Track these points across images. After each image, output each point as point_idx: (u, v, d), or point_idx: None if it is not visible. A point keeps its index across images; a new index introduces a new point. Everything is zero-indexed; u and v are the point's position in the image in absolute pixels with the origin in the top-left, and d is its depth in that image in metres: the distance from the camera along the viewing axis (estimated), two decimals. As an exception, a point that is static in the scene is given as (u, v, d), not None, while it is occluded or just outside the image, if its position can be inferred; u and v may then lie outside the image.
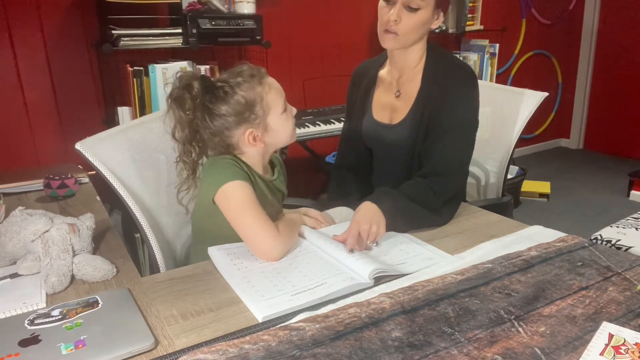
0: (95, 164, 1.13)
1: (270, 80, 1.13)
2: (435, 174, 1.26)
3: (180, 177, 1.13)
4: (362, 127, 1.44)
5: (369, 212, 1.13)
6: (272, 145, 1.17)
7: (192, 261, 1.14)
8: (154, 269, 1.18)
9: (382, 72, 1.43)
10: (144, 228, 1.15)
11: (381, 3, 1.27)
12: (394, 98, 1.39)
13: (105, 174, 1.13)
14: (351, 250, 1.04)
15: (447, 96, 1.28)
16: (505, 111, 1.46)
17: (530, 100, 1.66)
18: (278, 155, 1.30)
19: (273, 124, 1.12)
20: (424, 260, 1.04)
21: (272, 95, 1.11)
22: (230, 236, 1.09)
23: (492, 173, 1.74)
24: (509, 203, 1.61)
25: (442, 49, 1.39)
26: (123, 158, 1.22)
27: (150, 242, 1.16)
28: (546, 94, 1.64)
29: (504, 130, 1.68)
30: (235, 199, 1.06)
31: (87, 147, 1.14)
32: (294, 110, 1.17)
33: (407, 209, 1.19)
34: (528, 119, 1.64)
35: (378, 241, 1.12)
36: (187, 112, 1.08)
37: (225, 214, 1.07)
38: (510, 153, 1.66)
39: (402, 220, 1.17)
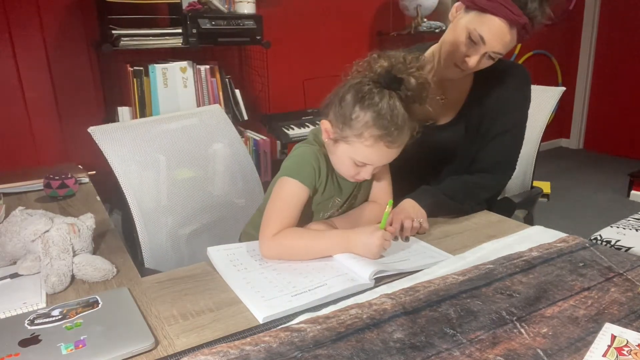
0: (104, 150, 1.15)
1: (380, 149, 1.01)
2: (485, 170, 1.33)
3: None
4: None
5: (407, 206, 1.19)
6: (333, 160, 1.11)
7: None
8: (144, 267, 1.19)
9: None
10: (135, 217, 1.16)
11: (461, 37, 1.18)
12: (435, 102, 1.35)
13: (111, 161, 1.15)
14: (406, 239, 1.13)
15: (503, 99, 1.31)
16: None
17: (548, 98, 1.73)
18: None
19: (339, 151, 1.06)
20: (425, 259, 1.03)
21: (360, 147, 1.02)
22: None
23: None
24: (537, 193, 1.68)
25: None
26: (126, 157, 1.22)
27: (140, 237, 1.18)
28: (564, 88, 1.74)
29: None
30: (279, 193, 1.08)
31: (98, 133, 1.16)
32: (366, 175, 1.07)
33: (447, 205, 1.25)
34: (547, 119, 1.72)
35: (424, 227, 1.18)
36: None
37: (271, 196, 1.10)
38: (537, 147, 1.73)
39: (442, 213, 1.25)
